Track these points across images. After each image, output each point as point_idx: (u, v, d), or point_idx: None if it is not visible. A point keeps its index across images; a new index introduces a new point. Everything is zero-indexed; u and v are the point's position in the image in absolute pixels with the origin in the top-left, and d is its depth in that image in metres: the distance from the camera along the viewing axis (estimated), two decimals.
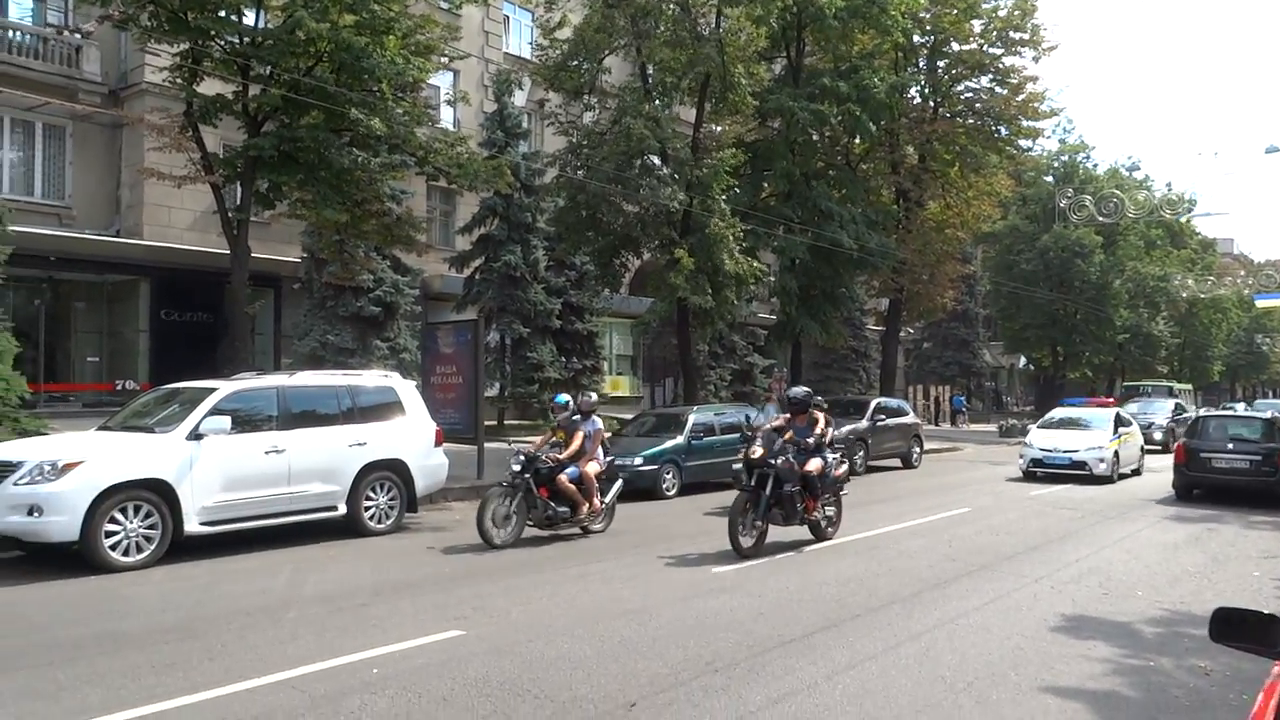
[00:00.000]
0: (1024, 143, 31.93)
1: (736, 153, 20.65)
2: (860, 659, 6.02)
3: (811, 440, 10.06)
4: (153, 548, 8.59)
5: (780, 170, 22.95)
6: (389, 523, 10.76)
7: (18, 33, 20.64)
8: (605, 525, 11.02)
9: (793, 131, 22.84)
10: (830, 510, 10.59)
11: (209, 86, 14.98)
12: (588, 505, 10.48)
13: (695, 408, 17.18)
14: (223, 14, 14.17)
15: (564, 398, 11.11)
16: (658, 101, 20.51)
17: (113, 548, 8.34)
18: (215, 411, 9.20)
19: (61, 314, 20.82)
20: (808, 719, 4.97)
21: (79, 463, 8.31)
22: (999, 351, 52.42)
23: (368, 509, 10.53)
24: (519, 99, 26.39)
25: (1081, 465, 18.24)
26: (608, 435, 12.04)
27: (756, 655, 6.05)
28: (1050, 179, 45.74)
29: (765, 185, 24.39)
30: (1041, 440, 19.35)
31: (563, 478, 10.28)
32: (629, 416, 21.63)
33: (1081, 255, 42.64)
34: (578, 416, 10.86)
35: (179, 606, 7.23)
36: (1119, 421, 19.71)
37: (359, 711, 4.92)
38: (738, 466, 10.15)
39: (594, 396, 11.53)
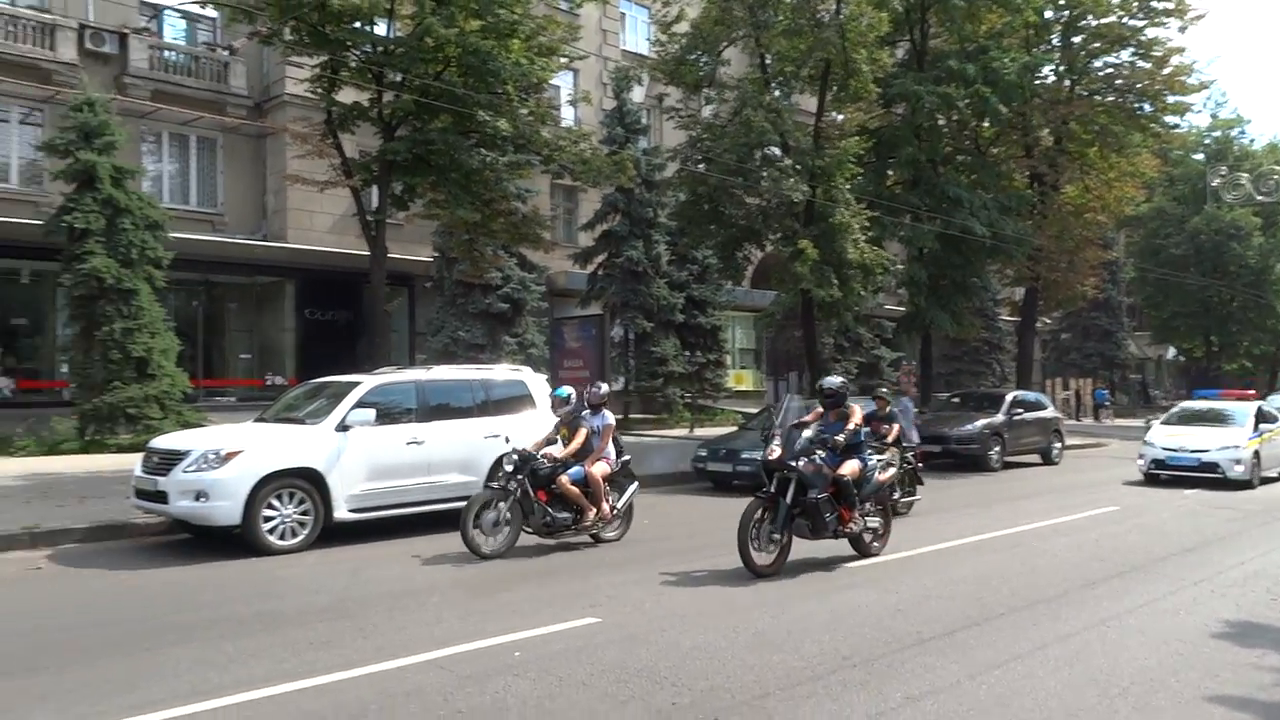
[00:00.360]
0: (1170, 119, 29.99)
1: (860, 140, 20.23)
2: (1005, 659, 5.81)
3: (842, 438, 8.53)
4: (306, 532, 9.08)
5: (906, 157, 22.36)
6: None
7: (173, 53, 22.10)
8: (621, 532, 9.87)
9: (918, 117, 22.20)
10: (874, 521, 9.11)
11: (346, 95, 15.67)
12: (594, 511, 9.33)
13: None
14: (357, 25, 14.79)
15: (565, 390, 9.94)
16: (777, 92, 20.29)
17: (270, 531, 8.86)
18: (360, 404, 9.62)
19: (216, 314, 22.22)
20: (951, 718, 4.84)
21: (239, 452, 8.86)
22: (1145, 342, 49.66)
23: None
24: (637, 95, 26.58)
25: (1212, 467, 15.90)
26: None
27: (895, 651, 5.93)
28: (1200, 157, 43.01)
29: (890, 173, 23.80)
30: (1165, 438, 16.88)
31: (564, 479, 9.16)
32: (753, 410, 21.51)
33: (1237, 238, 39.98)
34: (586, 411, 9.77)
35: (331, 588, 7.61)
36: (1261, 417, 17.19)
37: (503, 692, 5.07)
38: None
39: (604, 388, 10.19)
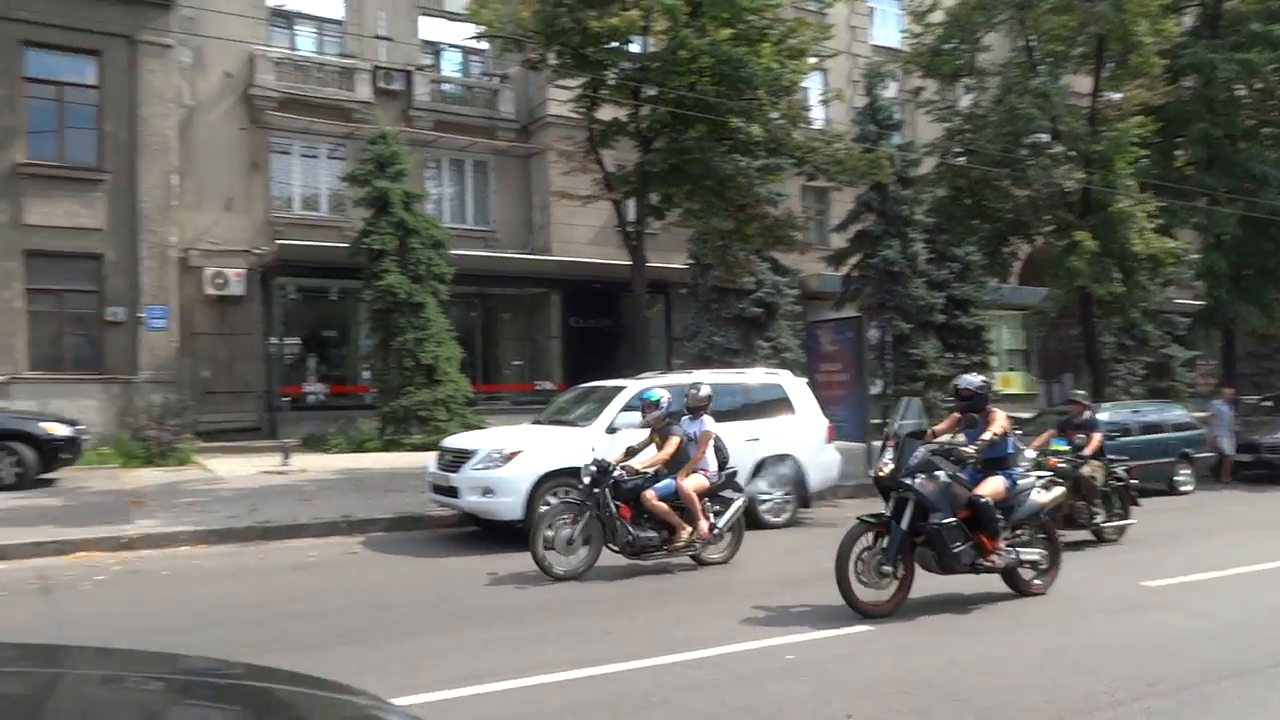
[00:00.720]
0: None
1: (1144, 121, 18.42)
2: None
3: (973, 449, 6.98)
4: None
5: (1197, 134, 20.13)
6: (784, 517, 11.01)
7: (450, 85, 24.11)
8: (728, 554, 8.80)
9: (1213, 89, 19.91)
10: (1032, 553, 7.40)
11: (605, 112, 16.37)
12: (689, 530, 8.25)
13: (1107, 405, 15.62)
14: (614, 45, 15.43)
15: (655, 393, 8.76)
16: (1045, 75, 18.97)
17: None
18: (627, 408, 10.04)
19: (491, 324, 23.95)
20: None
21: (519, 452, 9.51)
22: None
23: (763, 502, 10.85)
24: (889, 90, 25.84)
25: None
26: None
27: (1210, 681, 5.36)
28: None
29: (1179, 153, 21.52)
30: None
31: (649, 494, 8.14)
32: (1026, 415, 20.20)
33: None
34: (685, 417, 8.74)
35: (607, 583, 7.97)
36: None
37: (780, 695, 5.09)
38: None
39: (704, 389, 8.97)
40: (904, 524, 6.74)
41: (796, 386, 11.78)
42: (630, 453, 8.56)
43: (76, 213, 17.51)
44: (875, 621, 6.55)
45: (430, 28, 23.70)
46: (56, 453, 13.34)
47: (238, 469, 14.78)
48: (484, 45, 20.89)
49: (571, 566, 7.97)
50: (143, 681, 2.27)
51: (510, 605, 7.19)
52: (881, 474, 6.94)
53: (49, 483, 13.28)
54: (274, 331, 20.29)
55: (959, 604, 7.15)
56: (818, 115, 24.36)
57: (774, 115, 15.71)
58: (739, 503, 8.72)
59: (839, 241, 25.32)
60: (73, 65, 17.88)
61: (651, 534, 8.16)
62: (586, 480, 8.18)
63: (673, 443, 8.43)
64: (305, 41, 22.75)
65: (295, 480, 13.68)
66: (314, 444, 17.61)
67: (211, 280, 19.98)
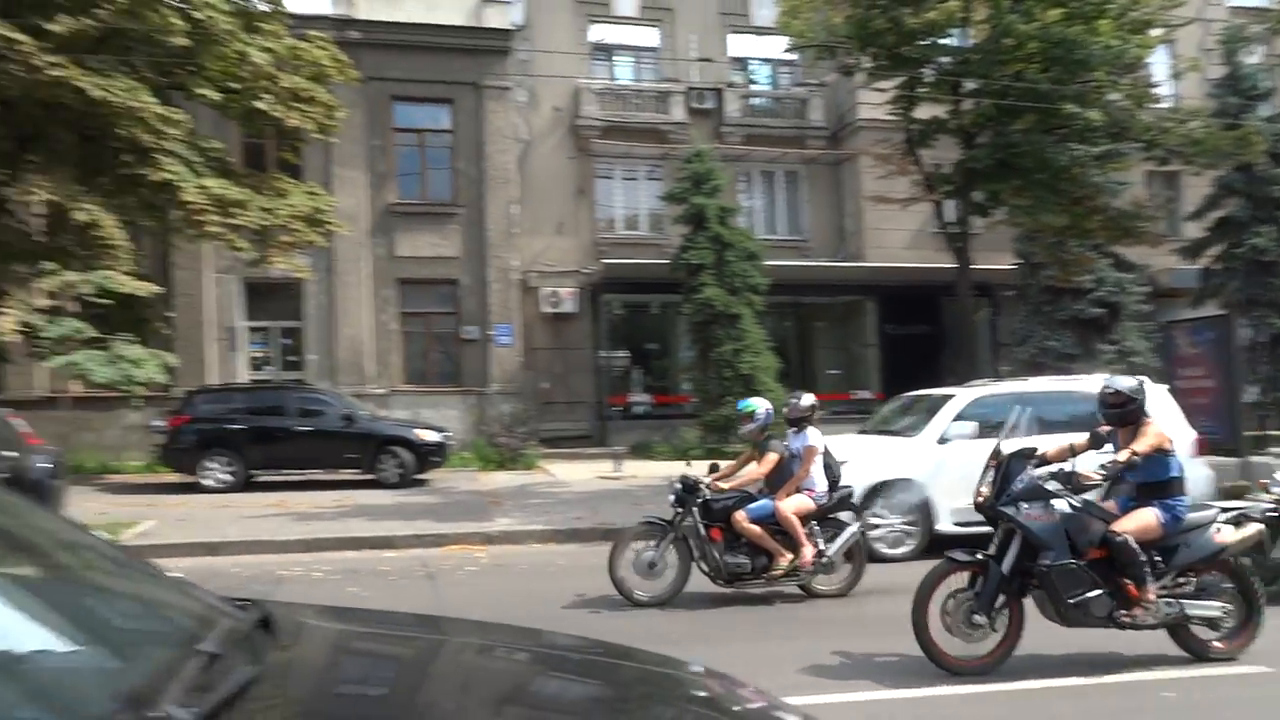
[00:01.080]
0: None
1: None
2: None
3: (1104, 471, 5.50)
4: (914, 543, 9.31)
5: None
6: None
7: (759, 99, 24.48)
8: (844, 585, 7.70)
9: None
10: (1209, 608, 5.69)
11: (921, 111, 15.83)
12: (789, 556, 7.32)
13: None
14: (932, 40, 14.87)
15: (751, 403, 7.91)
16: None
17: (878, 540, 9.21)
18: (959, 417, 9.61)
19: (805, 333, 23.98)
20: None
21: (845, 462, 9.38)
22: None
23: None
24: (1254, 56, 22.64)
25: None
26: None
27: None
28: None
29: None
30: None
31: (740, 516, 7.31)
32: None
33: None
34: (790, 432, 7.83)
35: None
36: None
37: None
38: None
39: (807, 400, 7.92)
40: (1005, 565, 5.57)
41: (1154, 394, 10.61)
42: (721, 472, 7.86)
43: (436, 244, 19.89)
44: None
45: (739, 44, 24.23)
46: (429, 456, 15.24)
47: (575, 474, 15.96)
48: (793, 56, 21.02)
49: (656, 593, 7.39)
50: (511, 652, 2.55)
51: (851, 616, 7.14)
52: (979, 500, 5.83)
53: (423, 483, 15.16)
54: (602, 345, 21.70)
55: None
56: (1166, 91, 21.94)
57: (1114, 97, 14.40)
58: (852, 530, 7.72)
59: (1194, 231, 22.57)
60: (430, 114, 20.41)
61: (743, 560, 7.38)
62: (671, 498, 7.59)
63: (770, 459, 7.61)
64: (623, 70, 24.15)
65: (627, 485, 14.52)
66: (641, 451, 18.58)
67: (547, 299, 21.76)
